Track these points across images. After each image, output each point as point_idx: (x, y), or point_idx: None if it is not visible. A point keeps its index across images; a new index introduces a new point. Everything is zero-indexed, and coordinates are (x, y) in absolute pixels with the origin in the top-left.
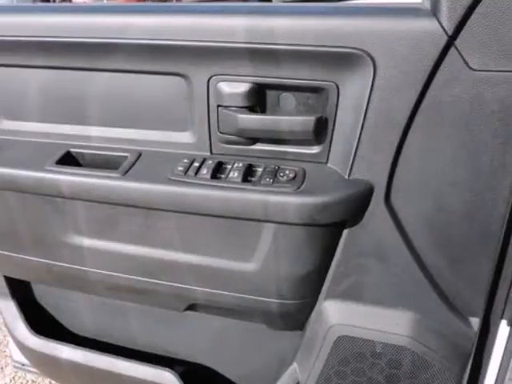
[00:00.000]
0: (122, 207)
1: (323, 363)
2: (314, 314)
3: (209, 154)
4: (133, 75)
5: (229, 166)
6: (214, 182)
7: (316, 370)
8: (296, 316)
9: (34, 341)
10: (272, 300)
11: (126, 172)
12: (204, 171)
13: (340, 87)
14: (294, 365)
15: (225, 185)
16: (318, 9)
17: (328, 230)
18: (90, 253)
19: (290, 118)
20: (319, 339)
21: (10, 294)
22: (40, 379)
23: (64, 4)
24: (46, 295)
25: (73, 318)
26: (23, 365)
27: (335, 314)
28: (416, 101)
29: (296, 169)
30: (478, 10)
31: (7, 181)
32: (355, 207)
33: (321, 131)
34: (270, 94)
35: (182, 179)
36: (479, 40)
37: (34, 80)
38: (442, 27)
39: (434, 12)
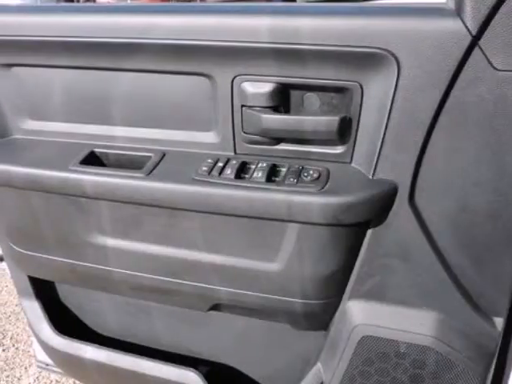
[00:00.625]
0: (146, 207)
1: (347, 363)
2: (337, 314)
3: (233, 153)
4: (157, 75)
5: (253, 166)
6: (238, 182)
7: (340, 369)
8: (320, 316)
9: (58, 341)
10: (296, 300)
11: (150, 172)
12: (228, 171)
13: (364, 87)
14: (318, 365)
15: (249, 185)
16: (342, 9)
17: (352, 230)
18: (113, 253)
19: (314, 118)
20: (343, 339)
21: (34, 294)
22: (64, 379)
23: (88, 4)
24: (69, 295)
25: (97, 318)
26: (47, 365)
27: (359, 314)
28: (440, 101)
29: (320, 169)
30: (502, 9)
31: (32, 181)
32: (379, 207)
33: (345, 131)
34: (294, 94)
35: (205, 179)
36: (503, 40)
37: (58, 80)
38: (466, 27)
39: (458, 12)
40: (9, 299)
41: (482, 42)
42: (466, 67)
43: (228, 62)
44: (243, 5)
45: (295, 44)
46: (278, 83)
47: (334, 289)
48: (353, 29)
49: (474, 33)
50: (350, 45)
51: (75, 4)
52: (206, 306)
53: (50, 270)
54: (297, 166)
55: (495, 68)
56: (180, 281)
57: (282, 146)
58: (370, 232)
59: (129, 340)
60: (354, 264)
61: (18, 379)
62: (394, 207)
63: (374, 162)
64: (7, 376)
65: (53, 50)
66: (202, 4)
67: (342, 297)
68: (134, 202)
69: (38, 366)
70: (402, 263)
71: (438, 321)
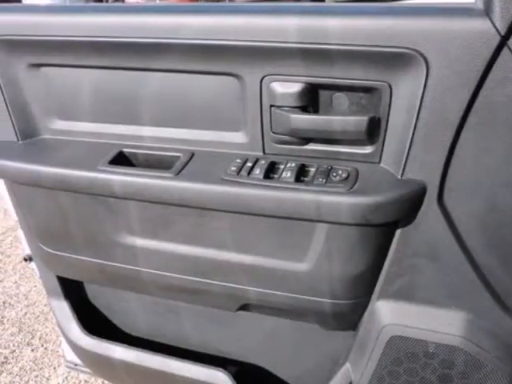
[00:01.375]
0: (175, 207)
1: (376, 363)
2: (366, 313)
3: (261, 153)
4: (186, 75)
5: (281, 166)
6: (267, 182)
7: (369, 369)
8: (349, 316)
9: (87, 341)
10: (325, 300)
11: (179, 172)
12: (257, 171)
13: (393, 87)
14: (347, 365)
15: (277, 185)
16: (370, 9)
17: (381, 230)
18: (142, 253)
19: (343, 117)
20: (372, 339)
21: (62, 294)
22: (93, 379)
23: (117, 4)
24: (98, 295)
25: (125, 318)
26: (76, 365)
27: (388, 314)
28: (469, 101)
29: (349, 169)
30: None
31: (60, 181)
32: (408, 207)
33: (374, 131)
34: (323, 94)
35: (234, 179)
36: None
37: (86, 80)
38: (495, 27)
39: (487, 12)
40: (38, 299)
41: (510, 41)
42: (494, 67)
43: (257, 61)
44: (272, 5)
45: (324, 44)
46: (306, 83)
47: (362, 289)
48: (381, 29)
49: (502, 33)
50: (379, 45)
51: (104, 4)
52: (235, 306)
53: (79, 270)
54: (325, 166)
55: None
56: (209, 281)
57: (311, 146)
58: (398, 232)
59: (157, 340)
60: (382, 264)
61: (47, 379)
62: (423, 207)
63: (403, 161)
64: (36, 376)
65: (81, 50)
66: (231, 4)
67: (370, 297)
68: (162, 202)
69: (67, 366)
70: (431, 263)
71: (467, 321)
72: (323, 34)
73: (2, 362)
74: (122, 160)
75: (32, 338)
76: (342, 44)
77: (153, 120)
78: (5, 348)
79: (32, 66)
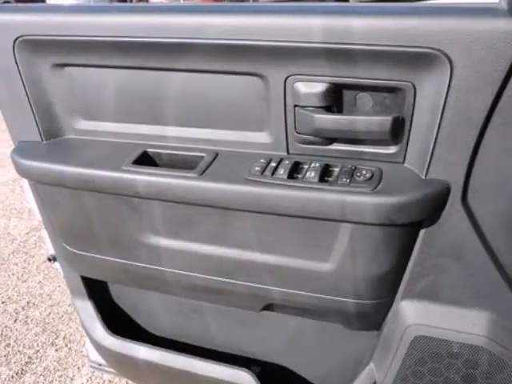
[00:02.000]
0: (199, 207)
1: (400, 363)
2: (390, 313)
3: (285, 153)
4: (209, 75)
5: (305, 166)
6: (291, 182)
7: (393, 369)
8: (373, 316)
9: (111, 341)
10: (349, 300)
11: (203, 172)
12: (281, 171)
13: (417, 87)
14: (371, 365)
15: (301, 185)
16: (394, 9)
17: (405, 230)
18: (166, 253)
19: (367, 117)
20: (396, 339)
21: (86, 294)
22: (117, 379)
23: (140, 4)
24: (122, 295)
25: (149, 318)
26: (100, 365)
27: (412, 313)
28: (493, 101)
29: (373, 169)
30: None
31: (85, 181)
32: (432, 207)
33: (398, 131)
34: (347, 94)
35: (258, 179)
36: None
37: (110, 80)
38: None
39: (511, 12)
40: (61, 299)
41: None
42: None
43: (281, 61)
44: (296, 5)
45: (348, 44)
46: (330, 83)
47: (386, 289)
48: (405, 29)
49: None
50: (403, 45)
51: (128, 4)
52: (259, 306)
53: (103, 270)
54: (349, 166)
55: None
56: (233, 281)
57: (335, 146)
58: (422, 232)
59: (181, 340)
60: (406, 264)
61: (71, 379)
62: (447, 207)
63: (427, 161)
64: (60, 376)
65: (105, 50)
66: (255, 4)
67: (394, 297)
68: (186, 201)
69: (91, 366)
70: (455, 263)
71: (491, 321)
72: (347, 34)
73: (26, 362)
74: (145, 160)
75: (56, 338)
76: (366, 44)
77: (177, 120)
78: (29, 348)
79: (56, 65)
